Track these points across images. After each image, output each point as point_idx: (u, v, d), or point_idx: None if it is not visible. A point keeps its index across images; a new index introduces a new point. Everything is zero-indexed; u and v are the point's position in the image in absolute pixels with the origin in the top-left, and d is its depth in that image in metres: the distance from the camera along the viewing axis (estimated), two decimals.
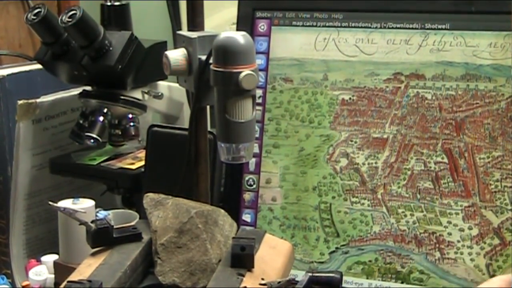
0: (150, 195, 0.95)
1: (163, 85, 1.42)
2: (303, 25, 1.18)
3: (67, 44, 1.28)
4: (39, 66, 1.35)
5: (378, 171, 1.13)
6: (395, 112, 1.13)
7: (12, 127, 1.32)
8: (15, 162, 1.31)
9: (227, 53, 0.91)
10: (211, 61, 0.94)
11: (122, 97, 1.32)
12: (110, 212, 1.22)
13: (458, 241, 1.08)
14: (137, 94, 1.35)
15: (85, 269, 0.84)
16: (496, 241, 1.07)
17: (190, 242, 0.87)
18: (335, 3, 1.17)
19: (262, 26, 1.21)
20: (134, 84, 1.33)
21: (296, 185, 1.17)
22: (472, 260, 1.08)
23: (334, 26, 1.17)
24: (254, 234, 0.93)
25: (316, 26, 1.18)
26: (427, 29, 1.12)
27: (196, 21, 1.02)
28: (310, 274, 0.88)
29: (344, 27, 1.16)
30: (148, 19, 1.70)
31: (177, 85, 1.06)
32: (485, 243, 1.07)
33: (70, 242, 1.14)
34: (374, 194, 1.13)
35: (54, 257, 1.18)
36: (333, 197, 1.15)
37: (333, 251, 1.15)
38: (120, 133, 1.36)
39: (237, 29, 1.21)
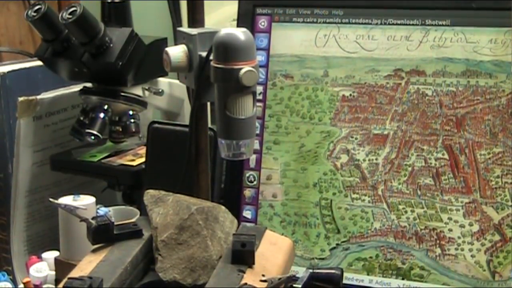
0: (151, 191, 0.95)
1: (163, 82, 1.42)
2: (303, 22, 1.18)
3: (68, 41, 1.29)
4: (39, 63, 1.35)
5: (379, 168, 1.13)
6: (396, 108, 1.13)
7: (13, 124, 1.32)
8: (15, 159, 1.31)
9: (227, 50, 0.91)
10: (211, 57, 0.94)
11: (122, 94, 1.33)
12: (110, 208, 1.23)
13: (459, 237, 1.09)
14: (138, 91, 1.35)
15: (86, 266, 0.84)
16: (497, 237, 1.07)
17: (190, 238, 0.87)
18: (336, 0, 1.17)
19: (262, 22, 1.21)
20: (135, 80, 1.33)
21: (297, 182, 1.17)
22: (472, 256, 1.08)
23: (335, 23, 1.16)
24: (255, 231, 0.93)
25: (316, 22, 1.17)
26: (428, 25, 1.12)
27: (196, 18, 1.02)
28: (310, 270, 0.88)
29: (345, 23, 1.16)
30: (148, 16, 1.70)
31: (177, 81, 1.06)
32: (485, 239, 1.07)
33: (70, 238, 1.14)
34: (374, 191, 1.13)
35: (55, 253, 1.18)
36: (334, 194, 1.15)
37: (334, 248, 1.15)
38: (120, 129, 1.36)
39: (238, 26, 1.21)
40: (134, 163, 1.32)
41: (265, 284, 0.82)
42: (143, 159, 1.31)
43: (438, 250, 1.09)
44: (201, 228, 0.88)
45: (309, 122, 1.17)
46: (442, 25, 1.11)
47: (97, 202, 1.15)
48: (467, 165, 1.09)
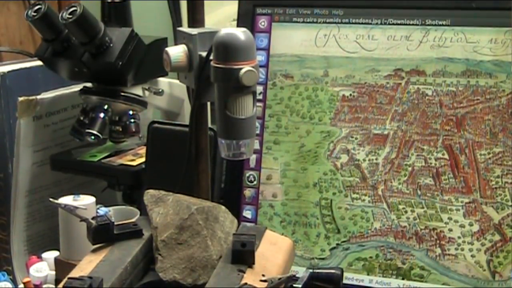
0: (151, 191, 0.95)
1: (163, 82, 1.42)
2: (303, 21, 1.18)
3: (68, 41, 1.29)
4: (39, 62, 1.35)
5: (379, 167, 1.13)
6: (396, 108, 1.13)
7: (13, 124, 1.32)
8: (15, 159, 1.31)
9: (227, 50, 0.91)
10: (211, 57, 0.94)
11: (122, 94, 1.33)
12: (110, 208, 1.23)
13: (459, 237, 1.08)
14: (138, 91, 1.35)
15: (86, 266, 0.84)
16: (497, 237, 1.07)
17: (190, 238, 0.87)
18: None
19: (262, 22, 1.21)
20: (135, 80, 1.33)
21: (297, 182, 1.17)
22: (472, 256, 1.08)
23: (335, 22, 1.16)
24: (255, 231, 0.93)
25: (316, 22, 1.17)
26: (428, 25, 1.12)
27: (196, 18, 1.02)
28: (310, 270, 0.88)
29: (345, 23, 1.16)
30: (148, 16, 1.70)
31: (177, 81, 1.06)
32: (485, 239, 1.07)
33: (70, 238, 1.14)
34: (374, 190, 1.13)
35: (55, 253, 1.18)
36: (334, 194, 1.15)
37: (334, 248, 1.15)
38: (120, 129, 1.36)
39: (238, 26, 1.21)
40: (134, 163, 1.32)
41: (265, 284, 0.82)
42: (143, 159, 1.31)
43: (438, 250, 1.09)
44: (201, 228, 0.88)
45: (309, 122, 1.17)
46: (442, 25, 1.11)
47: (97, 202, 1.15)
48: (467, 165, 1.09)
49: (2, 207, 1.36)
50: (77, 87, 1.36)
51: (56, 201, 1.06)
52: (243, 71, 0.91)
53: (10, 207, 1.33)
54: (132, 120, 1.35)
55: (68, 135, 1.35)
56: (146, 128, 1.24)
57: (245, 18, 1.21)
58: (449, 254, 1.09)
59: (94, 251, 0.88)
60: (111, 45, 1.26)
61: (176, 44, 1.01)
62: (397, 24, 1.13)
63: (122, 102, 1.33)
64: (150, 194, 0.95)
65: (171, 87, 1.45)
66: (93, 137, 1.29)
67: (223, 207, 0.93)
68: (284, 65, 1.19)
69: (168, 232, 0.88)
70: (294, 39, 1.19)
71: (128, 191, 1.34)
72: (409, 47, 1.13)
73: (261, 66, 1.17)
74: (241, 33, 0.92)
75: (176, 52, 0.99)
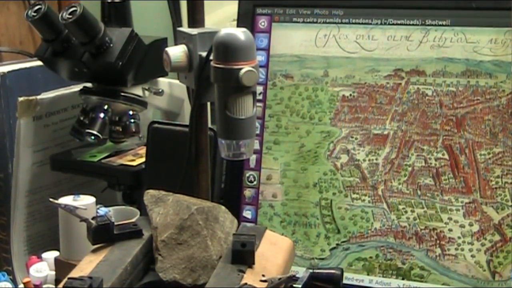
0: (151, 191, 0.95)
1: (163, 82, 1.42)
2: (303, 22, 1.18)
3: (68, 41, 1.28)
4: (39, 63, 1.35)
5: (379, 168, 1.13)
6: (396, 108, 1.13)
7: (13, 124, 1.32)
8: (15, 159, 1.31)
9: (227, 50, 0.91)
10: (211, 57, 0.94)
11: (122, 94, 1.33)
12: (110, 208, 1.23)
13: (459, 238, 1.08)
14: (138, 91, 1.35)
15: (86, 266, 0.84)
16: (497, 237, 1.07)
17: (190, 238, 0.87)
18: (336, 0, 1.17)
19: (262, 22, 1.21)
20: (135, 80, 1.33)
21: (297, 182, 1.17)
22: (472, 256, 1.08)
23: (335, 23, 1.16)
24: (255, 231, 0.93)
25: (316, 22, 1.17)
26: (428, 25, 1.12)
27: (196, 18, 1.02)
28: (310, 270, 0.88)
29: (345, 23, 1.16)
30: (148, 16, 1.70)
31: (177, 81, 1.06)
32: (485, 239, 1.07)
33: (70, 238, 1.14)
34: (374, 191, 1.13)
35: (55, 253, 1.18)
36: (334, 194, 1.15)
37: (334, 248, 1.15)
38: (120, 129, 1.36)
39: (238, 26, 1.21)
40: (134, 163, 1.32)
41: (265, 284, 0.82)
42: (143, 159, 1.31)
43: (438, 250, 1.09)
44: (201, 228, 0.88)
45: (309, 122, 1.17)
46: (442, 25, 1.11)
47: (97, 202, 1.15)
48: (467, 165, 1.09)
49: (2, 207, 1.36)
50: (77, 87, 1.36)
51: (56, 201, 1.06)
52: (243, 71, 0.91)
53: (10, 207, 1.33)
54: (132, 120, 1.35)
55: (68, 135, 1.35)
56: (146, 128, 1.24)
57: (245, 18, 1.21)
58: (449, 254, 1.09)
59: (94, 251, 0.88)
60: (111, 45, 1.26)
61: (176, 44, 1.01)
62: (397, 24, 1.13)
63: (122, 102, 1.33)
64: (150, 194, 0.95)
65: (171, 87, 1.45)
66: (93, 137, 1.29)
67: (223, 207, 0.93)
68: (284, 65, 1.19)
69: (168, 232, 0.88)
70: (294, 39, 1.19)
71: (128, 191, 1.34)
72: (409, 47, 1.13)
73: (261, 66, 1.17)
74: (241, 33, 0.92)
75: (176, 52, 0.99)
